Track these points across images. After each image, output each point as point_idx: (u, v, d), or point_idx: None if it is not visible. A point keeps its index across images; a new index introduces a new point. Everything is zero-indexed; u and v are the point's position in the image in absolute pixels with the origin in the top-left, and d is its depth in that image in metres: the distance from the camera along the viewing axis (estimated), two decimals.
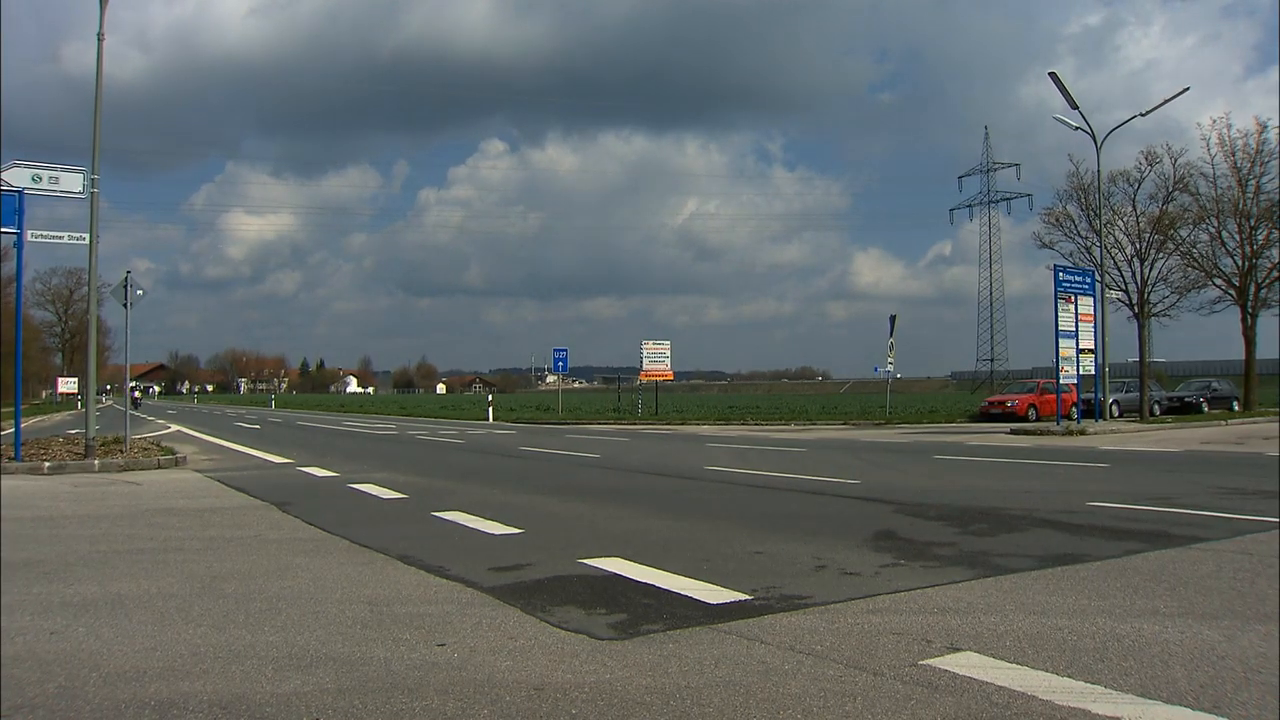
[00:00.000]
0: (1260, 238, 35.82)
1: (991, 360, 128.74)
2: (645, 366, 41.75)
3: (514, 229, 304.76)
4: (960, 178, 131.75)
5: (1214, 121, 39.50)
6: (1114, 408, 30.84)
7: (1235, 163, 35.57)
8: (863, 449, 19.51)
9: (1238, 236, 35.84)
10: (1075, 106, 28.43)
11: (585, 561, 6.49)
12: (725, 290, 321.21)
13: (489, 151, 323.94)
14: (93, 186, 16.38)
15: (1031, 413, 32.16)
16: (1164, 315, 34.97)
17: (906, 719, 3.35)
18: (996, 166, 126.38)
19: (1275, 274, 35.85)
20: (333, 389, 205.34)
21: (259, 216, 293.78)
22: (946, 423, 33.10)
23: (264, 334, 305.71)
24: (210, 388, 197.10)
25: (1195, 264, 35.30)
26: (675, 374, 44.99)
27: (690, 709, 3.50)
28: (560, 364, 45.81)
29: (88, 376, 19.05)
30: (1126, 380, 36.50)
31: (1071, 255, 33.51)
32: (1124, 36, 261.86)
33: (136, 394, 62.35)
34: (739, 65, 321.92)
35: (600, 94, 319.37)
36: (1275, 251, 36.01)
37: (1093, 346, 26.78)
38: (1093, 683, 3.66)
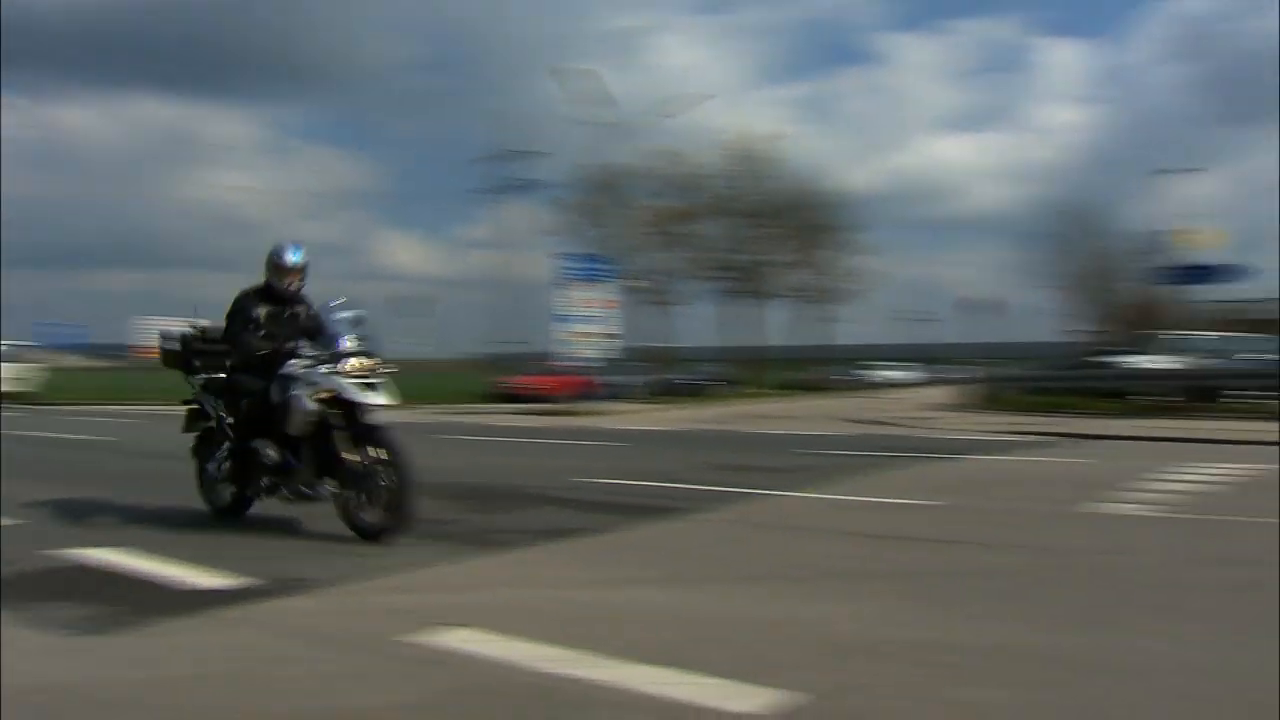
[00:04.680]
0: (759, 235, 40.84)
1: (511, 342, 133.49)
2: None
3: None
4: (480, 161, 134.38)
5: (724, 127, 44.52)
6: (631, 390, 33.24)
7: (741, 165, 40.12)
8: None
9: (744, 233, 40.57)
10: (599, 103, 30.46)
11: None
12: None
13: None
14: None
15: (549, 394, 33.83)
16: (677, 304, 38.55)
17: (400, 696, 3.37)
18: (518, 154, 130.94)
19: (773, 269, 40.80)
20: None
21: None
22: (468, 402, 33.81)
23: None
24: None
25: (706, 257, 39.38)
26: None
27: (182, 702, 3.28)
28: None
29: None
30: (645, 364, 39.61)
31: (591, 243, 35.84)
32: (657, 40, 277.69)
33: None
34: (268, 31, 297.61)
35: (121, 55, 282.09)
36: (772, 246, 41.12)
37: (610, 331, 28.60)
38: (584, 649, 3.78)
